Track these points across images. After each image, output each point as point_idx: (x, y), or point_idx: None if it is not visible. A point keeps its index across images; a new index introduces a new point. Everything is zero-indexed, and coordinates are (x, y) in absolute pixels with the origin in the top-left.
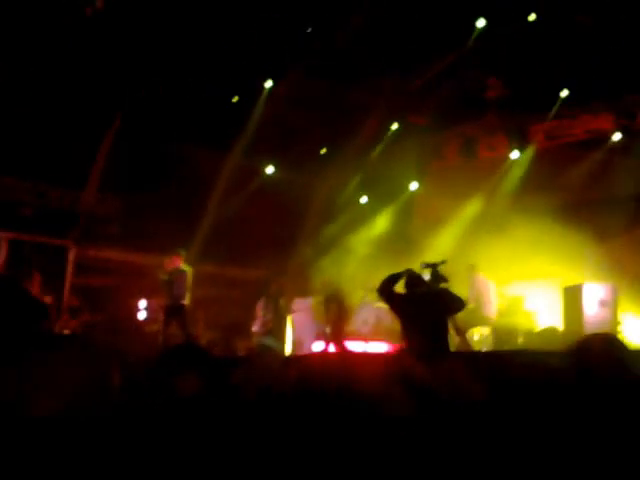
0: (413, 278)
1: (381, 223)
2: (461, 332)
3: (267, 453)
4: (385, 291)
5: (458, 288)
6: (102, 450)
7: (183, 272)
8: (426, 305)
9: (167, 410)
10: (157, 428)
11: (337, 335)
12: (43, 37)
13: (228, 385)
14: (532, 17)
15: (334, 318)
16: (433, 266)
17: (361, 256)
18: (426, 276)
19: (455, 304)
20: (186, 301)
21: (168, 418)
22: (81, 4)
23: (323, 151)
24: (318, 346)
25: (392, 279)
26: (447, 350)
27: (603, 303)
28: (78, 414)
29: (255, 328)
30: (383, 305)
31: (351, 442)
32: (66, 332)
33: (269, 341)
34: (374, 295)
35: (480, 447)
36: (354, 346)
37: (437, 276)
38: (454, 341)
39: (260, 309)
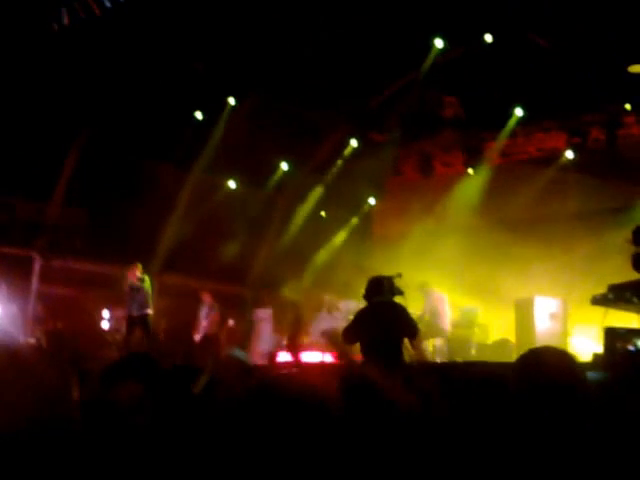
0: (375, 285)
1: (340, 237)
2: (415, 343)
3: (228, 464)
4: (347, 340)
5: (412, 302)
6: (60, 467)
7: (145, 282)
8: (382, 316)
9: (116, 422)
10: (113, 442)
11: (293, 346)
12: (9, 51)
13: (190, 394)
14: (488, 37)
15: (290, 330)
16: (389, 279)
17: (320, 269)
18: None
19: (410, 329)
20: (150, 311)
21: (119, 431)
22: (48, 20)
23: (284, 166)
24: (282, 356)
25: (349, 329)
26: (402, 360)
27: (553, 316)
28: (35, 430)
29: (196, 336)
30: (342, 316)
31: (311, 453)
32: (31, 340)
33: (237, 352)
34: (332, 306)
35: (436, 457)
36: (312, 356)
37: (393, 289)
38: (409, 352)
39: (199, 318)
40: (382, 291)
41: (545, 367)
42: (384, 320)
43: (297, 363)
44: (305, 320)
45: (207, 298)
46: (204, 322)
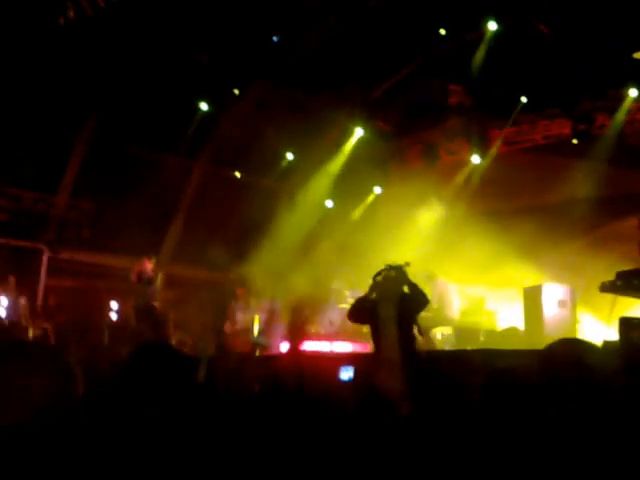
0: (393, 274)
1: (345, 226)
2: (424, 332)
3: (238, 448)
4: (354, 316)
5: None
6: (68, 456)
7: (154, 274)
8: (394, 306)
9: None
10: (125, 431)
11: (296, 336)
12: (15, 46)
13: (193, 383)
14: (492, 26)
15: (299, 322)
16: (397, 268)
17: (325, 259)
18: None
19: (421, 300)
20: (157, 303)
21: (138, 420)
22: (54, 13)
23: (289, 156)
24: (285, 346)
25: (359, 303)
26: (414, 350)
27: (562, 303)
28: (42, 422)
29: (227, 328)
30: (349, 306)
31: (312, 441)
32: (39, 332)
33: (261, 339)
34: (339, 296)
35: (442, 446)
36: (320, 346)
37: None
38: (417, 340)
39: (231, 311)
40: (402, 280)
41: (565, 358)
42: (394, 311)
43: (297, 353)
44: (308, 310)
45: (242, 293)
46: (240, 315)
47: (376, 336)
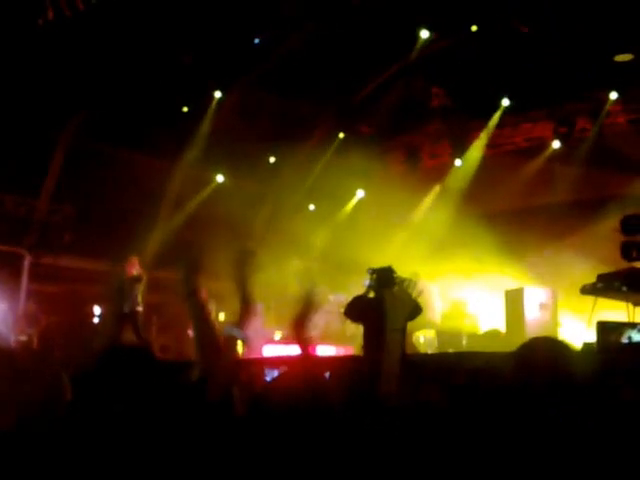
0: (386, 277)
1: (327, 230)
2: (406, 335)
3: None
4: (352, 314)
5: None
6: (53, 465)
7: (137, 278)
8: (388, 309)
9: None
10: (108, 440)
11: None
12: None
13: (179, 388)
14: (474, 28)
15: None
16: (379, 272)
17: (308, 262)
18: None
19: (416, 310)
20: (140, 308)
21: (118, 428)
22: (33, 14)
23: (271, 160)
24: (268, 350)
25: (356, 301)
26: (404, 353)
27: (543, 306)
28: (28, 429)
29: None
30: (332, 310)
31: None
32: (22, 338)
33: (235, 331)
34: (322, 299)
35: (433, 452)
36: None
37: (383, 281)
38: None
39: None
40: (392, 284)
41: (541, 357)
42: (392, 311)
43: (305, 357)
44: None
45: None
46: None
47: (369, 337)
